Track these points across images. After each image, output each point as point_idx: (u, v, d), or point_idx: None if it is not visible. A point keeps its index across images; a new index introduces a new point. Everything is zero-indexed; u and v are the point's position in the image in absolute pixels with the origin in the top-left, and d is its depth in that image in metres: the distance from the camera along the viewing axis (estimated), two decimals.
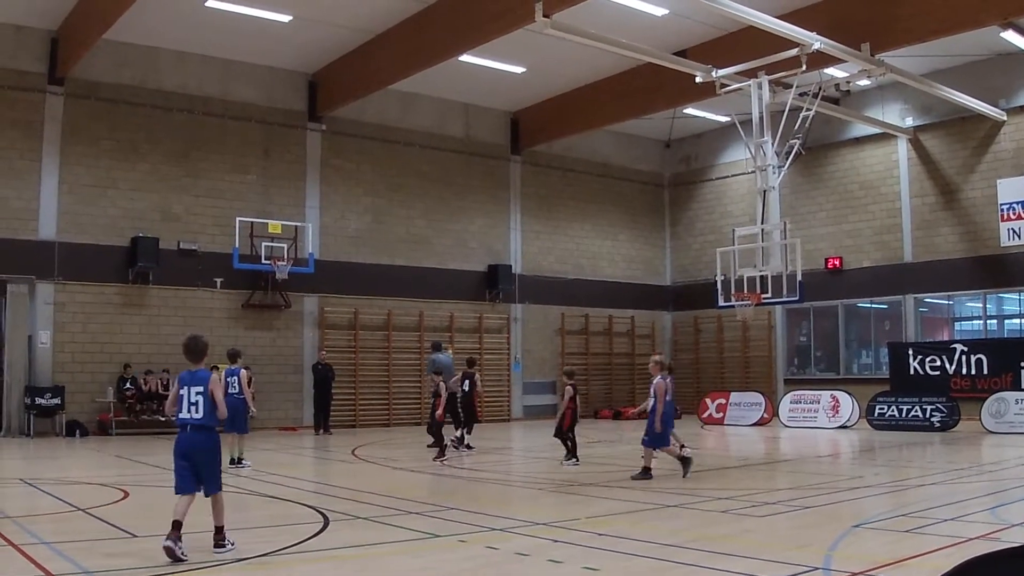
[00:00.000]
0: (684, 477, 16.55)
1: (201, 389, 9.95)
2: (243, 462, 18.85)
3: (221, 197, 30.67)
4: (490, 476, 18.22)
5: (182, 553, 9.22)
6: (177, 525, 9.43)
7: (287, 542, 10.24)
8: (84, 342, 28.07)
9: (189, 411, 9.92)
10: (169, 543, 9.22)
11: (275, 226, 30.83)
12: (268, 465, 19.28)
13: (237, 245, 29.99)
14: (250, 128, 31.46)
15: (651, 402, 16.97)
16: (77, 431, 27.19)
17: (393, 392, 33.21)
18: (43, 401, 26.89)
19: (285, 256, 30.60)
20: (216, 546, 9.77)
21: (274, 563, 9.30)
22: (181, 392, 10.02)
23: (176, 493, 9.88)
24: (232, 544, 9.86)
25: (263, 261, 30.26)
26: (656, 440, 16.67)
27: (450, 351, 26.95)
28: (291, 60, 31.60)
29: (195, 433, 9.94)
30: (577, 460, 19.15)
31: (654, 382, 16.76)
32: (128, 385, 28.05)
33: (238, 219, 30.17)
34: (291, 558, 9.56)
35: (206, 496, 10.01)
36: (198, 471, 9.90)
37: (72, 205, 28.19)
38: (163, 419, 28.14)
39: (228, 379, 18.57)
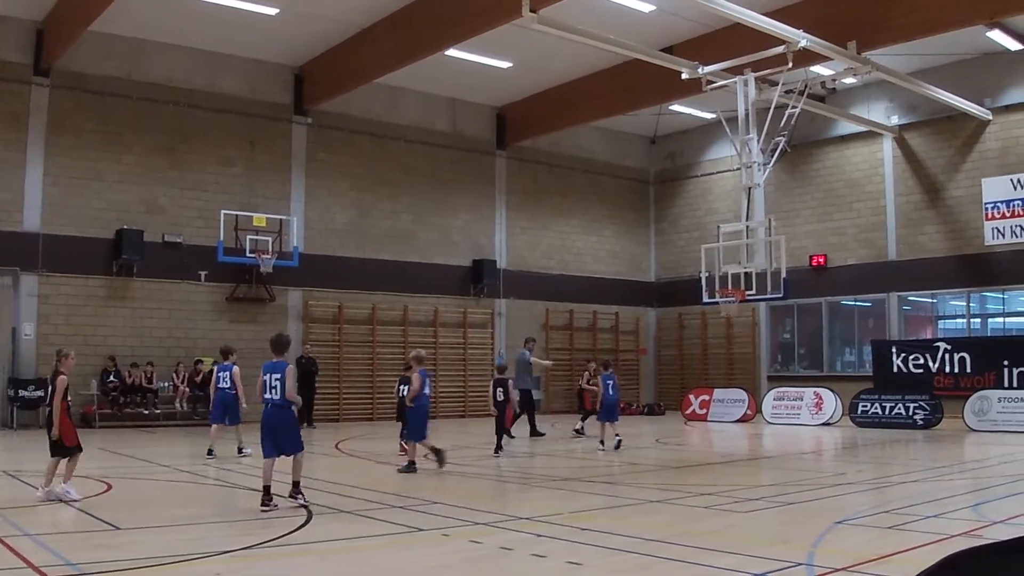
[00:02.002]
0: (442, 466, 16.99)
1: (280, 376, 12.51)
2: (243, 451, 19.40)
3: (206, 190, 30.60)
4: (474, 471, 18.22)
5: (275, 505, 12.07)
6: (267, 490, 12.20)
7: (271, 535, 10.24)
8: (68, 334, 27.92)
9: (270, 393, 12.58)
10: (263, 508, 12.00)
11: (260, 219, 30.77)
12: (252, 458, 19.26)
13: (222, 238, 29.94)
14: (236, 121, 31.40)
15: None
16: None
17: (377, 386, 33.13)
18: (26, 393, 26.76)
19: (270, 249, 30.56)
20: (290, 496, 12.42)
21: (258, 556, 9.30)
22: (264, 378, 12.69)
23: (264, 457, 12.51)
24: (304, 499, 12.35)
25: (248, 254, 30.22)
26: (415, 434, 17.32)
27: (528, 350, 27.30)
28: (277, 53, 31.55)
29: (274, 409, 12.60)
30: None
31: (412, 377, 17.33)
32: (112, 378, 27.98)
33: (223, 212, 30.11)
34: (275, 551, 9.56)
35: (287, 456, 12.58)
36: (278, 439, 12.55)
37: (57, 197, 28.10)
38: (146, 412, 28.21)
39: (220, 374, 19.53)
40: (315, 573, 8.86)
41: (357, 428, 29.24)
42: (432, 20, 27.24)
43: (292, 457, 12.62)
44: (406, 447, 18.17)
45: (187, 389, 29.10)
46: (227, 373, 19.51)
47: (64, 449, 13.08)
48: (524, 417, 26.33)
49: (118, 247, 28.55)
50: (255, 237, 30.52)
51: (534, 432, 25.88)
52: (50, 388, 13.37)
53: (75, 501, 12.66)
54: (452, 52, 29.65)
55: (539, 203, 39.25)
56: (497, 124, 37.99)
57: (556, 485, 15.65)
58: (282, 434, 12.62)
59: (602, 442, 21.88)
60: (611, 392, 22.03)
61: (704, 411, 33.68)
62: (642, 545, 9.65)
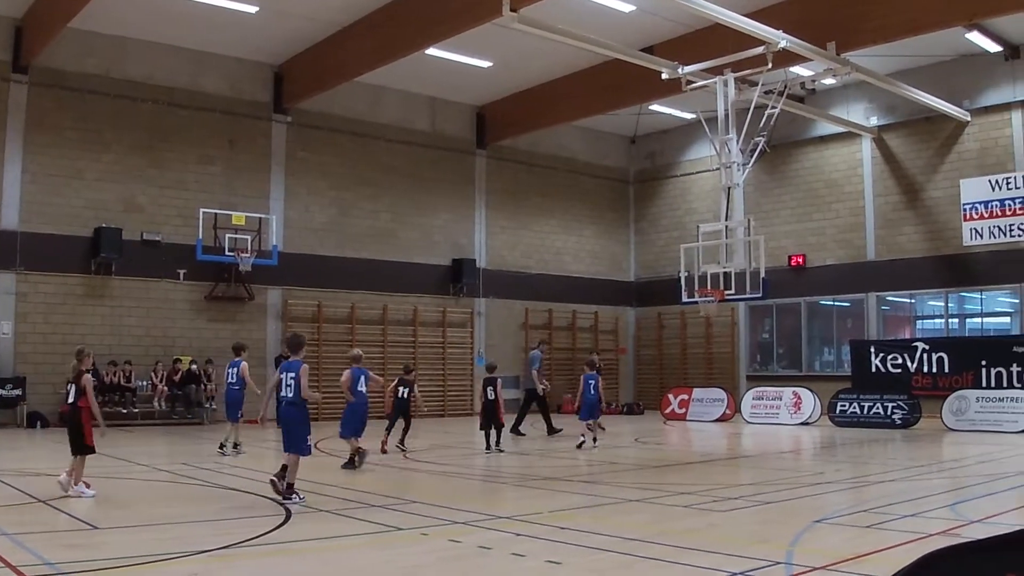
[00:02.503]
0: (356, 467, 17.41)
1: (294, 375, 13.04)
2: (238, 447, 19.91)
3: (185, 188, 30.51)
4: (452, 470, 18.22)
5: (300, 498, 12.65)
6: (290, 485, 12.80)
7: (249, 535, 10.20)
8: (46, 332, 27.86)
9: (285, 391, 13.12)
10: (288, 500, 12.59)
11: (239, 218, 30.70)
12: (230, 458, 19.25)
13: (201, 236, 29.85)
14: (215, 119, 31.32)
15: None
16: (38, 422, 27.00)
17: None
18: (4, 392, 26.67)
19: (249, 248, 30.51)
20: (285, 497, 12.68)
21: (236, 556, 9.27)
22: (280, 376, 13.29)
23: (284, 451, 13.20)
24: (302, 498, 12.69)
25: (227, 253, 30.16)
26: (345, 430, 18.22)
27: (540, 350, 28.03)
28: (257, 51, 31.48)
29: (288, 407, 13.20)
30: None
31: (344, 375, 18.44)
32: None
33: (202, 210, 30.01)
34: (253, 551, 9.53)
35: (285, 452, 13.15)
36: (287, 435, 13.20)
37: (35, 195, 27.97)
38: (124, 411, 28.10)
39: (229, 370, 20.28)
40: (293, 572, 8.84)
41: (336, 427, 29.15)
42: (412, 19, 27.22)
43: (289, 455, 13.06)
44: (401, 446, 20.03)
45: (166, 388, 29.02)
46: (235, 370, 20.07)
47: (84, 448, 13.31)
48: (520, 415, 27.00)
49: (97, 245, 28.44)
50: (234, 236, 30.44)
51: (551, 430, 26.31)
52: (73, 387, 13.49)
53: (91, 496, 13.04)
54: (432, 51, 29.65)
55: (519, 203, 39.26)
56: (477, 123, 37.98)
57: (536, 484, 15.65)
58: (290, 429, 13.22)
59: (594, 439, 22.27)
60: (592, 392, 22.52)
61: (683, 411, 33.73)
62: (621, 544, 9.66)
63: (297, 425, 13.25)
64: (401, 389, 20.83)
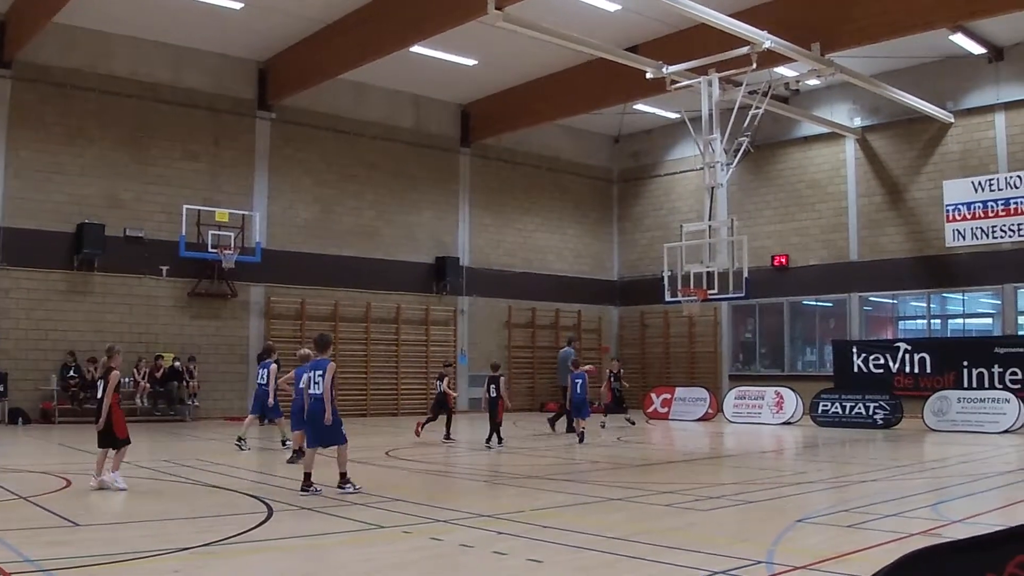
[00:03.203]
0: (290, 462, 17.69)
1: (322, 372, 13.53)
2: (285, 443, 20.13)
3: (169, 184, 30.41)
4: (435, 468, 18.21)
5: (315, 490, 13.22)
6: (307, 476, 13.42)
7: (231, 532, 10.18)
8: (28, 329, 27.79)
9: (312, 388, 13.59)
10: (304, 494, 13.13)
11: (222, 214, 30.64)
12: (212, 455, 19.20)
13: (184, 233, 29.76)
14: (199, 115, 31.24)
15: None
16: (20, 419, 26.92)
17: (339, 383, 32.98)
18: None
19: (232, 245, 30.44)
20: (340, 487, 13.50)
21: (218, 553, 9.25)
22: (308, 374, 13.76)
23: (307, 447, 13.89)
24: (355, 487, 13.48)
25: (210, 250, 30.09)
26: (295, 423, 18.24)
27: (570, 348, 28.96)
28: (242, 48, 31.42)
29: (315, 403, 13.55)
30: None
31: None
32: (72, 373, 27.76)
33: (185, 207, 29.93)
34: (235, 548, 9.51)
35: (308, 447, 13.85)
36: (313, 431, 13.64)
37: (18, 190, 27.86)
38: None
39: (260, 371, 20.96)
40: (274, 570, 8.83)
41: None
42: (397, 17, 27.19)
43: (310, 449, 13.76)
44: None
45: (148, 385, 28.92)
46: (265, 371, 20.63)
47: (115, 440, 13.78)
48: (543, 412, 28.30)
49: (79, 241, 28.34)
50: (217, 232, 30.39)
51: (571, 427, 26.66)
52: (101, 383, 14.09)
53: (122, 490, 13.39)
54: (417, 49, 29.60)
55: (503, 201, 39.26)
56: (462, 121, 37.97)
57: (518, 483, 15.66)
58: (314, 424, 13.63)
59: (580, 435, 23.32)
60: (578, 391, 23.86)
61: (666, 409, 33.77)
62: (603, 543, 9.66)
63: (319, 421, 13.55)
64: (439, 384, 23.35)
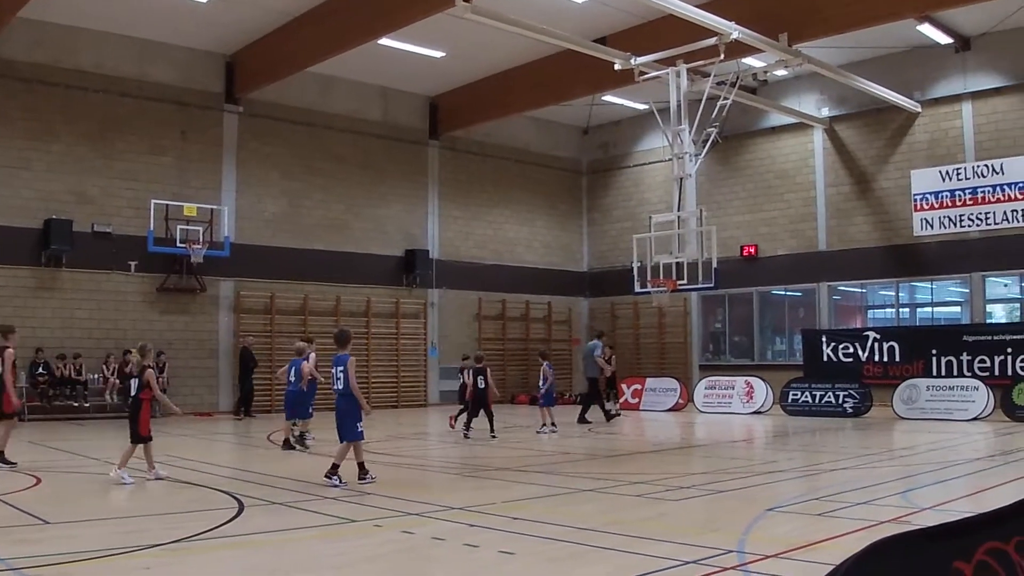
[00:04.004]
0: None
1: (343, 368, 13.93)
2: (305, 439, 20.26)
3: (136, 179, 30.21)
4: (406, 461, 18.21)
5: (337, 482, 13.52)
6: (334, 466, 13.77)
7: (202, 528, 10.16)
8: None
9: (335, 383, 14.08)
10: (328, 481, 13.56)
11: (191, 209, 30.46)
12: (182, 450, 19.12)
13: (152, 228, 29.58)
14: (166, 109, 31.04)
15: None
16: None
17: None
18: None
19: (200, 239, 30.28)
20: (359, 479, 13.79)
21: (189, 549, 9.23)
22: (331, 370, 14.26)
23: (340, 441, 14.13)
24: (373, 478, 13.89)
25: (178, 244, 29.89)
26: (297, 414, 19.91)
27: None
28: (209, 41, 31.23)
29: (339, 398, 14.05)
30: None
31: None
32: (41, 370, 27.58)
33: (153, 201, 29.74)
34: (206, 544, 9.49)
35: (341, 442, 13.99)
36: (339, 425, 14.05)
37: None
38: (75, 405, 27.88)
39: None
40: (246, 565, 8.82)
41: (259, 419, 29.08)
42: (365, 8, 27.10)
43: (347, 444, 13.97)
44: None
45: (117, 381, 28.77)
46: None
47: (137, 436, 14.41)
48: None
49: (46, 237, 28.12)
50: (186, 227, 30.20)
51: (608, 416, 28.09)
52: (136, 381, 14.58)
53: (127, 484, 13.81)
54: (385, 41, 29.48)
55: (472, 193, 39.21)
56: (430, 114, 37.86)
57: (489, 475, 15.67)
58: (341, 419, 14.04)
59: (544, 425, 23.79)
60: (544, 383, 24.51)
61: (636, 400, 33.87)
62: (574, 534, 9.69)
63: (348, 415, 13.99)
64: (479, 379, 22.64)
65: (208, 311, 31.50)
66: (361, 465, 13.99)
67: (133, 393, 14.54)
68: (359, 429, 13.99)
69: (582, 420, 26.99)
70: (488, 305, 39.29)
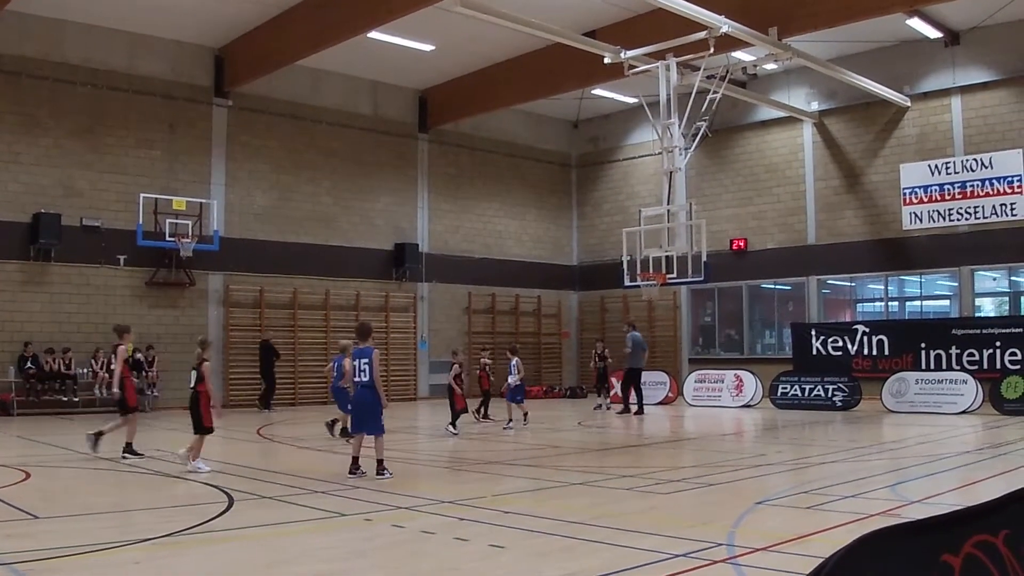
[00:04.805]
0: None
1: (367, 360, 14.03)
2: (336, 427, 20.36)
3: (125, 173, 30.15)
4: (396, 455, 18.20)
5: (362, 472, 13.81)
6: (355, 460, 13.97)
7: (191, 522, 10.15)
8: None
9: (359, 376, 14.11)
10: (352, 475, 13.73)
11: (180, 203, 30.41)
12: (172, 444, 19.08)
13: (141, 222, 29.54)
14: (155, 103, 30.96)
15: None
16: None
17: (299, 371, 32.95)
18: None
19: (189, 233, 30.24)
20: (378, 474, 13.70)
21: (178, 543, 9.22)
22: (354, 363, 14.37)
23: (352, 432, 14.78)
24: (391, 474, 13.76)
25: (167, 238, 29.87)
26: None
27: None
28: (198, 34, 31.16)
29: (362, 390, 14.14)
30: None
31: None
32: (30, 365, 27.51)
33: (142, 195, 29.68)
34: (195, 538, 9.49)
35: (369, 435, 14.19)
36: (362, 418, 14.25)
37: None
38: (65, 399, 27.82)
39: (336, 364, 20.22)
40: (236, 559, 8.80)
41: (279, 413, 29.09)
42: (354, 2, 27.07)
43: (373, 437, 14.16)
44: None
45: (106, 375, 28.69)
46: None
47: (200, 427, 14.91)
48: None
49: (35, 231, 28.06)
50: (175, 221, 30.16)
51: (640, 409, 28.44)
52: (195, 374, 15.06)
53: (204, 472, 14.34)
54: (374, 34, 29.45)
55: (461, 187, 39.20)
56: (419, 107, 37.84)
57: (479, 468, 15.69)
58: (366, 412, 14.18)
59: (510, 420, 23.77)
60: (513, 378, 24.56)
61: None
62: (563, 527, 9.69)
63: (371, 407, 14.12)
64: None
65: (197, 305, 31.45)
66: (380, 462, 13.90)
67: (191, 385, 15.01)
68: (381, 423, 14.18)
69: (632, 410, 28.17)
70: (478, 299, 39.29)
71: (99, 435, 16.69)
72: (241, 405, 30.12)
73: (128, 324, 18.51)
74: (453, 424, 21.71)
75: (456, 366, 22.34)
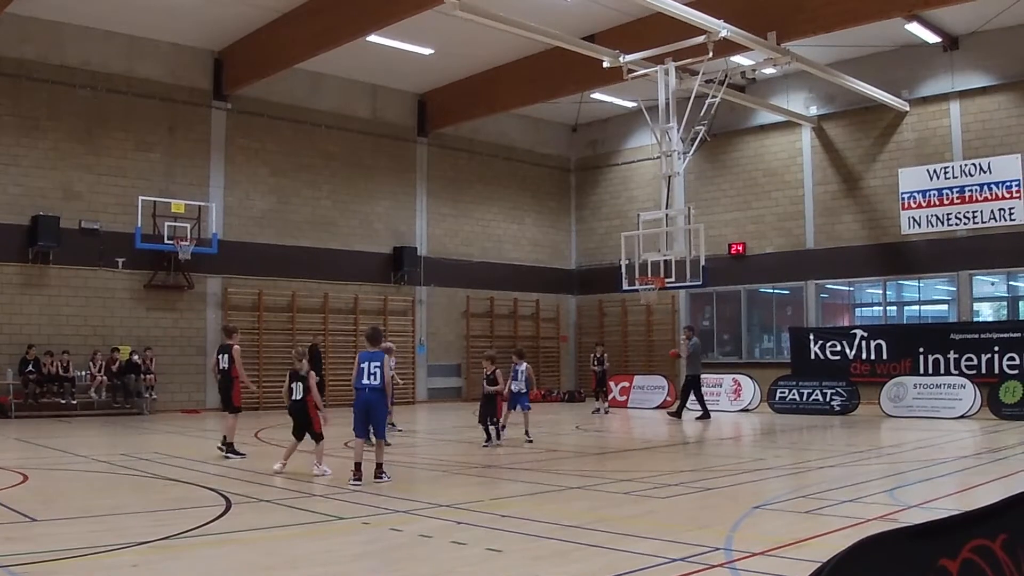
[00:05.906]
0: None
1: (378, 364, 13.94)
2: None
3: (124, 175, 30.15)
4: (394, 459, 18.18)
5: (360, 481, 13.46)
6: (357, 466, 13.65)
7: (189, 525, 10.14)
8: None
9: (368, 379, 13.91)
10: (353, 483, 13.37)
11: (178, 206, 30.42)
12: (170, 448, 19.10)
13: (140, 224, 29.55)
14: (154, 106, 30.97)
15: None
16: None
17: None
18: None
19: (188, 236, 30.24)
20: (376, 477, 13.73)
21: (175, 546, 9.21)
22: (362, 366, 14.03)
23: (356, 437, 14.13)
24: (389, 477, 13.85)
25: (166, 241, 29.87)
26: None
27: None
28: (197, 37, 31.17)
29: (371, 394, 13.98)
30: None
31: None
32: (30, 367, 27.45)
33: (141, 198, 29.70)
34: (193, 541, 9.47)
35: (375, 439, 14.41)
36: (373, 421, 14.25)
37: None
38: (63, 402, 27.79)
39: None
40: (233, 563, 8.79)
41: (277, 416, 29.02)
42: (354, 5, 27.09)
43: (377, 441, 14.41)
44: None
45: (105, 378, 28.74)
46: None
47: (313, 434, 15.29)
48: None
49: (34, 234, 28.06)
50: (173, 224, 30.16)
51: (705, 413, 27.93)
52: (300, 385, 15.41)
53: (316, 474, 14.64)
54: (373, 38, 29.47)
55: (460, 190, 39.20)
56: (418, 111, 37.85)
57: (476, 472, 15.67)
58: (375, 416, 14.23)
59: (503, 426, 22.16)
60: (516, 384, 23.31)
61: (624, 398, 33.86)
62: (561, 531, 9.69)
63: (381, 411, 14.43)
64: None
65: (196, 308, 31.45)
66: (379, 465, 13.97)
67: (298, 397, 15.36)
68: (385, 427, 14.44)
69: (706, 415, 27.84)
70: (476, 302, 39.28)
71: (229, 445, 17.37)
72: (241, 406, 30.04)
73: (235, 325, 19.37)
74: (499, 431, 20.15)
75: (495, 372, 20.15)
